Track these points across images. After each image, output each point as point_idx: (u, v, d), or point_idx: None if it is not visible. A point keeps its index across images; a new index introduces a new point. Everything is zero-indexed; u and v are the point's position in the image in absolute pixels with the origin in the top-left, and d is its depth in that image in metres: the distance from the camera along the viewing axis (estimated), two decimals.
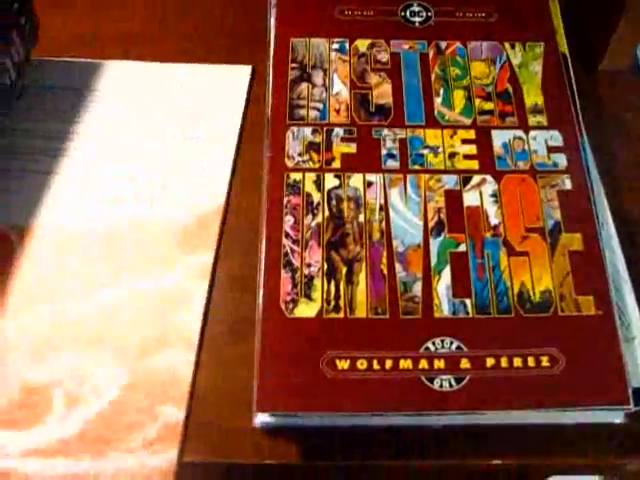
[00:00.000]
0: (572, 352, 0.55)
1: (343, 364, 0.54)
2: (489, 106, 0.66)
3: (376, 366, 0.54)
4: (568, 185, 0.63)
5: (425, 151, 0.63)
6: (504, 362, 0.54)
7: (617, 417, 0.56)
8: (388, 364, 0.54)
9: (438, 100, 0.66)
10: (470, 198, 0.61)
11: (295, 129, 0.64)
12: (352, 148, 0.63)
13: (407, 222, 0.60)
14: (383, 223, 0.60)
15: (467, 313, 0.56)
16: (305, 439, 0.55)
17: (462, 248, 0.59)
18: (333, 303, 0.56)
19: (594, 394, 0.54)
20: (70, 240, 0.61)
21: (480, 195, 0.61)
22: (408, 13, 0.71)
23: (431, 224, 0.60)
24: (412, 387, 0.53)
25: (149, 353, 0.56)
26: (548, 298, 0.57)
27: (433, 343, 0.55)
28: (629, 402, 0.53)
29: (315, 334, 0.55)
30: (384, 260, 0.58)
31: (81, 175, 0.65)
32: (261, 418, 0.53)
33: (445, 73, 0.68)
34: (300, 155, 0.63)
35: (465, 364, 0.54)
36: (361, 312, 0.56)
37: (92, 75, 0.72)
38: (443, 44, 0.69)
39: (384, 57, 0.68)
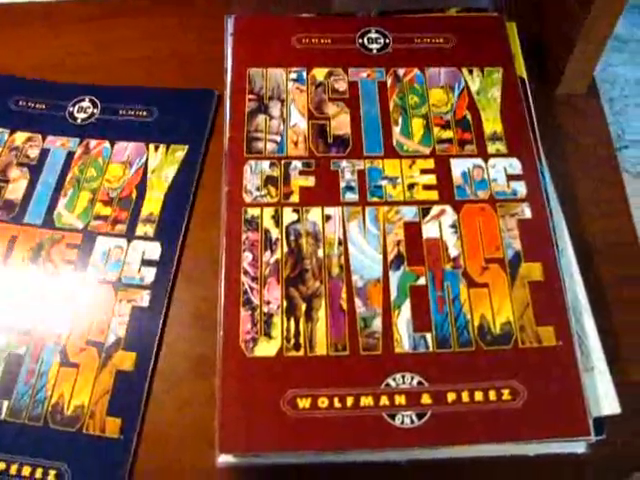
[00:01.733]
0: (533, 384, 0.55)
1: (304, 403, 0.54)
2: (448, 134, 0.66)
3: (337, 404, 0.54)
4: (528, 214, 0.63)
5: (384, 182, 0.63)
6: (465, 396, 0.55)
7: (579, 447, 0.56)
8: (349, 401, 0.54)
9: (397, 129, 0.66)
10: (430, 229, 0.61)
11: (253, 163, 0.64)
12: (310, 181, 0.63)
13: (366, 256, 0.60)
14: (342, 257, 0.60)
15: (427, 347, 0.56)
16: (269, 477, 0.55)
17: (422, 281, 0.59)
18: (293, 341, 0.56)
19: (556, 426, 0.55)
20: None
21: (440, 226, 0.62)
22: (366, 40, 0.71)
23: (390, 257, 0.60)
24: (374, 424, 0.53)
25: None
26: (509, 330, 0.57)
27: (394, 379, 0.55)
28: (590, 433, 0.54)
29: (276, 373, 0.55)
30: (343, 295, 0.58)
31: None
32: (224, 458, 0.53)
33: (403, 101, 0.68)
34: (258, 190, 0.62)
35: (426, 399, 0.54)
36: (321, 349, 0.56)
37: None
38: (401, 71, 0.70)
39: (342, 86, 0.69)
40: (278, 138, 0.65)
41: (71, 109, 0.73)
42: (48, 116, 0.72)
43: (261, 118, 0.66)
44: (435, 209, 0.62)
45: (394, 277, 0.59)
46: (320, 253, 0.60)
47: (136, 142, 0.70)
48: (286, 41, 0.71)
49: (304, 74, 0.69)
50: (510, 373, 0.56)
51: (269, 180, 0.63)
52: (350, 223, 0.61)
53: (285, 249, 0.59)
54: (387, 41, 0.71)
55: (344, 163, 0.64)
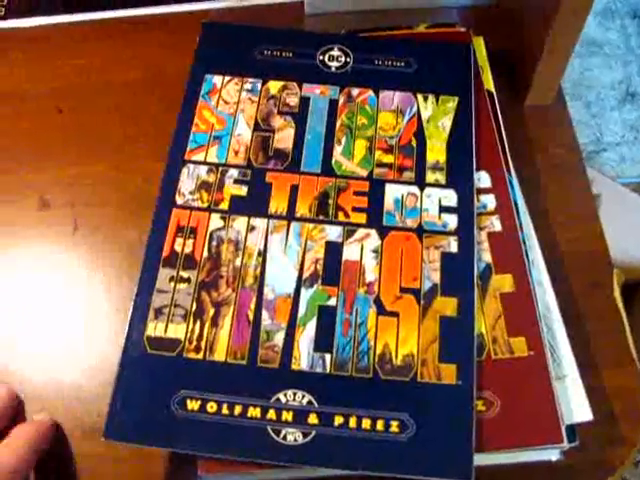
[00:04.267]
0: (507, 394, 0.57)
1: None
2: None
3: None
4: (498, 226, 0.64)
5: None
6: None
7: (553, 455, 0.58)
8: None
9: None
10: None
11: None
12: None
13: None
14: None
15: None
16: None
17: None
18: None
19: (529, 435, 0.57)
20: None
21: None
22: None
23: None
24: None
25: None
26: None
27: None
28: (563, 440, 0.56)
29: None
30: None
31: None
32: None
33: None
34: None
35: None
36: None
37: None
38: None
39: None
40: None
41: (321, 57, 0.74)
42: (298, 64, 0.74)
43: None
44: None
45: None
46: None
47: (402, 91, 0.72)
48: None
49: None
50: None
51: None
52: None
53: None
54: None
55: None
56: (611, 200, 1.38)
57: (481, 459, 0.56)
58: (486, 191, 0.67)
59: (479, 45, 0.74)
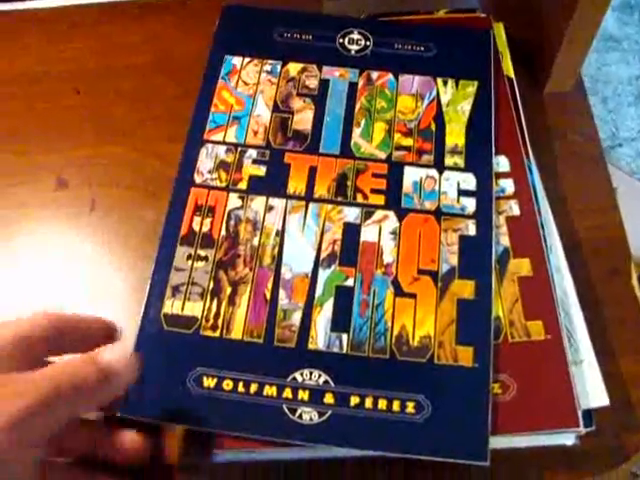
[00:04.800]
0: (523, 377, 0.57)
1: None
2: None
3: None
4: (516, 211, 0.64)
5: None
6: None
7: (569, 439, 0.58)
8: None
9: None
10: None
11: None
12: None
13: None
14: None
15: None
16: None
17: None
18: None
19: (545, 418, 0.57)
20: None
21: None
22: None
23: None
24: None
25: None
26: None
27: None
28: (579, 425, 0.56)
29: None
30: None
31: None
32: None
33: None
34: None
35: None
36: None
37: None
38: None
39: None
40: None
41: (341, 40, 0.75)
42: (318, 47, 0.75)
43: None
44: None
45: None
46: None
47: (422, 75, 0.73)
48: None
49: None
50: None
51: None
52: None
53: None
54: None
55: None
56: (627, 195, 1.37)
57: (497, 442, 0.56)
58: (505, 175, 0.67)
59: (499, 31, 0.75)
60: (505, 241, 0.63)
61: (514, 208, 0.65)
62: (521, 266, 0.62)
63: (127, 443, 0.55)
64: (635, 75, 1.83)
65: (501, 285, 0.61)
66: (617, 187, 1.30)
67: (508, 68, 0.73)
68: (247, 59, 0.73)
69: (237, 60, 0.74)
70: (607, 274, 0.68)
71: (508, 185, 0.66)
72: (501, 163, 0.67)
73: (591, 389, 0.60)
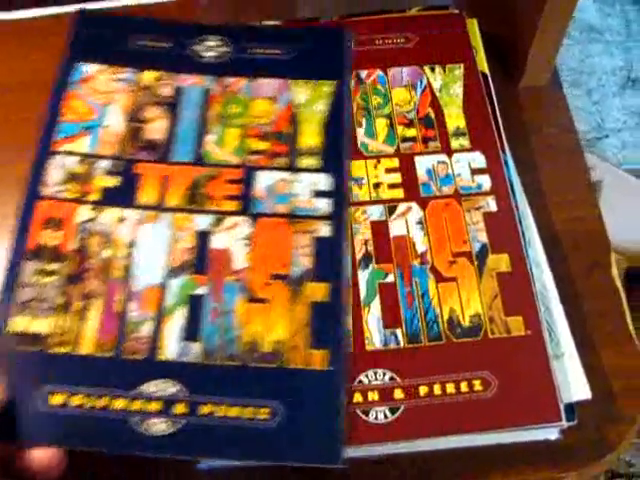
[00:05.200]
0: (504, 374, 0.58)
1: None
2: (411, 133, 0.69)
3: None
4: (493, 207, 0.65)
5: (350, 183, 0.66)
6: (437, 389, 0.58)
7: (552, 434, 0.59)
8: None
9: (361, 130, 0.69)
10: (396, 227, 0.65)
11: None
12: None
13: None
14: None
15: (398, 343, 0.60)
16: None
17: (390, 278, 0.62)
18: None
19: (527, 414, 0.57)
20: None
21: (406, 223, 0.65)
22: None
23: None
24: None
25: None
26: (478, 322, 0.60)
27: (366, 375, 0.59)
28: (561, 419, 0.57)
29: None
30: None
31: None
32: None
33: (367, 102, 0.71)
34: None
35: (399, 394, 0.58)
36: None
37: None
38: (363, 73, 0.73)
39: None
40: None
41: (196, 47, 0.73)
42: (174, 54, 0.73)
43: None
44: (401, 207, 0.66)
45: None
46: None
47: (277, 79, 0.72)
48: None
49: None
50: (481, 364, 0.58)
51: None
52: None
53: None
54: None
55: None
56: (614, 187, 1.38)
57: (480, 439, 0.58)
58: (481, 171, 0.68)
59: (472, 27, 0.76)
60: (483, 237, 0.64)
61: (491, 204, 0.66)
62: (500, 262, 0.63)
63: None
64: (619, 66, 1.85)
65: (480, 281, 0.62)
66: (602, 179, 1.30)
67: (482, 64, 0.74)
68: (101, 67, 0.71)
69: (90, 68, 0.71)
70: (587, 267, 0.69)
71: (484, 181, 0.67)
72: (477, 159, 0.68)
73: (573, 382, 0.61)
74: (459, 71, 0.72)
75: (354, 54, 0.74)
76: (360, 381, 0.58)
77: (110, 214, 0.63)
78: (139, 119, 0.68)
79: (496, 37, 0.78)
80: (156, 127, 0.68)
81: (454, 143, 0.69)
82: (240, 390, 0.57)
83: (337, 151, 0.68)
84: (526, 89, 0.78)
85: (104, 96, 0.69)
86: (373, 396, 0.58)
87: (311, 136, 0.68)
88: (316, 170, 0.67)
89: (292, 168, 0.67)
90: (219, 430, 0.55)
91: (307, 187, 0.66)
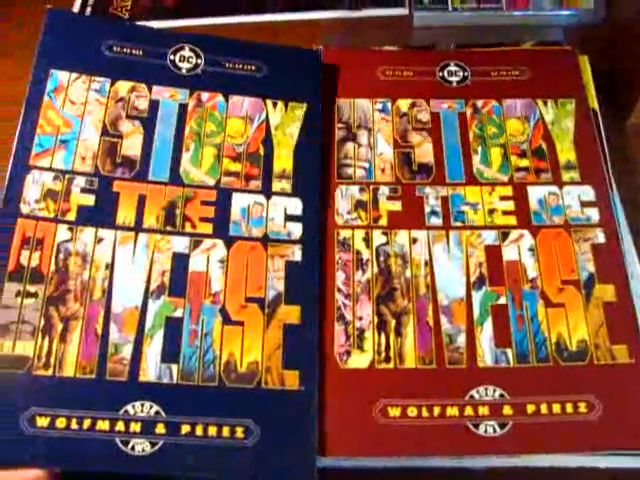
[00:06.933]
0: (609, 399, 0.59)
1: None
2: (525, 163, 0.71)
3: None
4: (601, 239, 0.67)
5: (465, 208, 0.68)
6: (544, 408, 0.59)
7: None
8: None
9: (477, 158, 0.71)
10: (509, 252, 0.66)
11: (343, 187, 0.69)
12: (397, 206, 0.68)
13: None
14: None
15: (508, 362, 0.61)
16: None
17: (502, 300, 0.64)
18: (384, 354, 0.61)
19: (632, 438, 0.58)
20: None
21: (518, 250, 0.66)
22: (446, 73, 0.76)
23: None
24: (459, 432, 0.58)
25: None
26: (584, 347, 0.61)
27: (477, 391, 0.60)
28: None
29: (368, 384, 0.59)
30: (430, 313, 0.62)
31: None
32: (324, 462, 0.57)
33: (482, 131, 0.72)
34: (349, 213, 0.67)
35: (508, 411, 0.59)
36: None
37: None
38: (479, 103, 0.74)
39: (425, 117, 0.74)
40: (367, 165, 0.70)
41: (172, 57, 0.71)
42: (148, 64, 0.70)
43: (350, 146, 0.71)
44: (514, 233, 0.67)
45: (477, 296, 0.64)
46: (408, 273, 0.64)
47: (252, 97, 0.71)
48: (371, 73, 0.76)
49: (389, 105, 0.74)
50: (586, 388, 0.60)
51: (359, 204, 0.68)
52: (435, 246, 0.66)
53: (375, 269, 0.64)
54: (466, 74, 0.76)
55: (428, 189, 0.69)
56: None
57: (580, 461, 0.59)
58: (590, 204, 0.69)
59: (584, 64, 0.78)
60: (591, 267, 0.66)
61: (599, 236, 0.67)
62: (606, 291, 0.65)
63: None
64: None
65: (587, 309, 0.64)
66: None
67: (592, 100, 0.76)
68: (74, 75, 0.69)
69: (64, 76, 0.69)
70: None
71: (593, 213, 0.69)
72: (586, 192, 0.70)
73: None
74: (570, 106, 0.74)
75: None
76: (472, 396, 0.60)
77: (89, 234, 0.62)
78: (114, 134, 0.67)
79: (606, 74, 0.79)
80: (132, 143, 0.67)
81: (565, 176, 0.71)
82: (217, 410, 0.58)
83: (307, 175, 0.68)
84: (634, 126, 0.80)
85: (79, 107, 0.67)
86: (484, 411, 0.59)
87: (284, 159, 0.69)
88: (287, 195, 0.68)
89: (266, 191, 0.67)
90: (197, 449, 0.56)
91: (280, 211, 0.67)
